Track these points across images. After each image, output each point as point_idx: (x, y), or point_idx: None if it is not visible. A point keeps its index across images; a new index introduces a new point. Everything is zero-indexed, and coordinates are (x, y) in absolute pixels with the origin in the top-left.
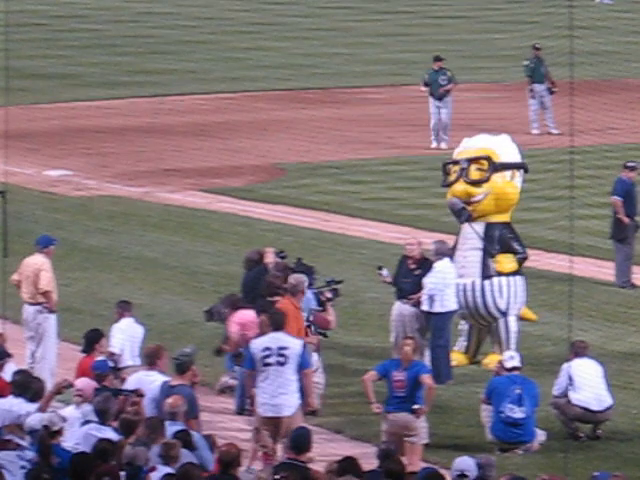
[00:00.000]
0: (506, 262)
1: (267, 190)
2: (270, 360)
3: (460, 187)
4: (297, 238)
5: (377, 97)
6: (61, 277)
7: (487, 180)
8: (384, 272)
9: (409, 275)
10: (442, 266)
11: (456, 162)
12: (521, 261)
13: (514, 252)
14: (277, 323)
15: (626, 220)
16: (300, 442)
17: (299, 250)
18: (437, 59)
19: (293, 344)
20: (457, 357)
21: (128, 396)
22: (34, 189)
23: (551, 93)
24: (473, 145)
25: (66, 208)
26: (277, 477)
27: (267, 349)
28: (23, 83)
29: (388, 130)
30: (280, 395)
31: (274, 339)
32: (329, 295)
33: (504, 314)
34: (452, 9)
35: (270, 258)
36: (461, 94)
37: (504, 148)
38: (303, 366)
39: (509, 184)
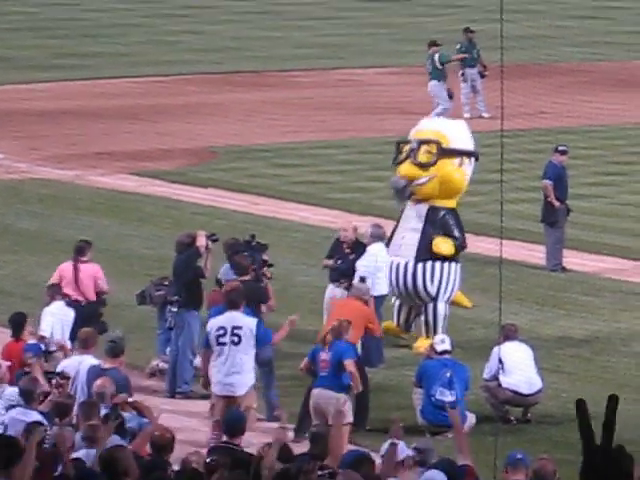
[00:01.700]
0: (442, 243)
1: (198, 173)
2: (224, 340)
3: (406, 167)
4: (228, 221)
5: (307, 80)
6: None
7: (434, 164)
8: (331, 261)
9: (343, 258)
10: (375, 250)
11: (408, 142)
12: (459, 248)
13: (452, 238)
14: (232, 302)
15: (557, 204)
16: (234, 425)
17: (231, 233)
18: (434, 44)
19: (247, 323)
20: (388, 325)
21: (53, 379)
22: None
23: (482, 77)
24: (427, 127)
25: None
26: (208, 460)
27: (221, 328)
28: None
29: (318, 113)
30: (233, 374)
31: (229, 318)
32: (269, 274)
33: (434, 299)
34: None
35: (202, 241)
36: (391, 78)
37: (456, 133)
38: (261, 343)
39: (457, 170)
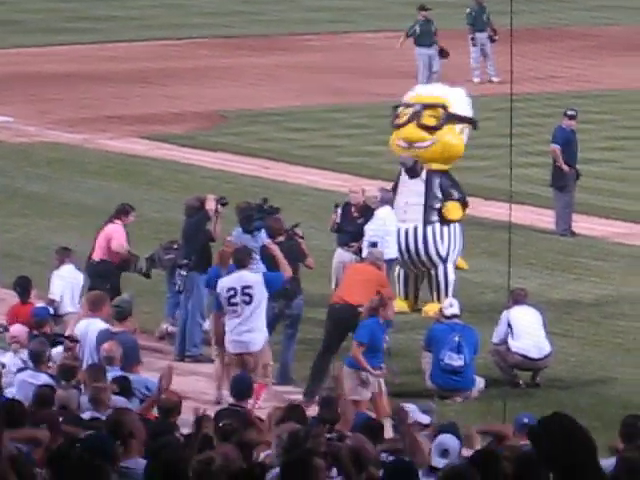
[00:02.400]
0: (452, 209)
1: (208, 137)
2: (235, 300)
3: (410, 129)
4: (237, 185)
5: (318, 44)
6: (1, 223)
7: (440, 128)
8: (338, 211)
9: (351, 223)
10: (383, 214)
11: (408, 105)
12: (465, 206)
13: (455, 199)
14: (240, 260)
15: (566, 168)
16: (241, 388)
17: (240, 197)
18: (423, 8)
19: (256, 280)
20: (398, 303)
21: (62, 342)
22: None
23: (492, 41)
24: (428, 92)
25: (6, 154)
26: (220, 425)
27: (231, 289)
28: None
29: (329, 77)
30: (247, 333)
31: (238, 279)
32: (300, 233)
33: (444, 261)
34: None
35: (211, 205)
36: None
37: (459, 100)
38: (275, 285)
39: (458, 137)
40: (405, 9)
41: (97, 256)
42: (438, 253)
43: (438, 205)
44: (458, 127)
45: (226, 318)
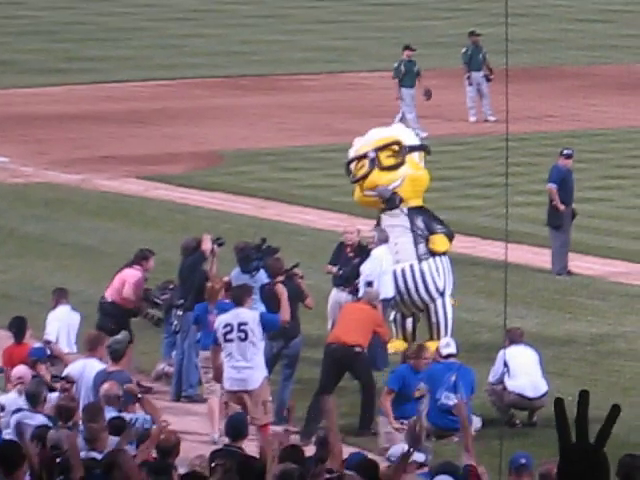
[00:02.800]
0: (441, 243)
1: (204, 177)
2: (231, 336)
3: (377, 176)
4: (234, 225)
5: (314, 84)
6: None
7: (403, 163)
8: (335, 268)
9: (347, 263)
10: (379, 253)
11: (361, 157)
12: (451, 239)
13: (440, 232)
14: (238, 298)
15: (562, 207)
16: (237, 428)
17: (237, 237)
18: (408, 48)
19: (252, 318)
20: (395, 344)
21: (58, 382)
22: None
23: (488, 80)
24: (371, 138)
25: (3, 195)
26: (214, 465)
27: (228, 325)
28: None
29: (325, 117)
30: (245, 369)
31: (234, 315)
32: (300, 273)
33: (442, 294)
34: None
35: (207, 245)
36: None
37: (404, 133)
38: (268, 329)
39: (419, 167)
40: (400, 49)
41: (109, 296)
42: (436, 287)
43: (425, 240)
44: (416, 156)
45: (222, 355)
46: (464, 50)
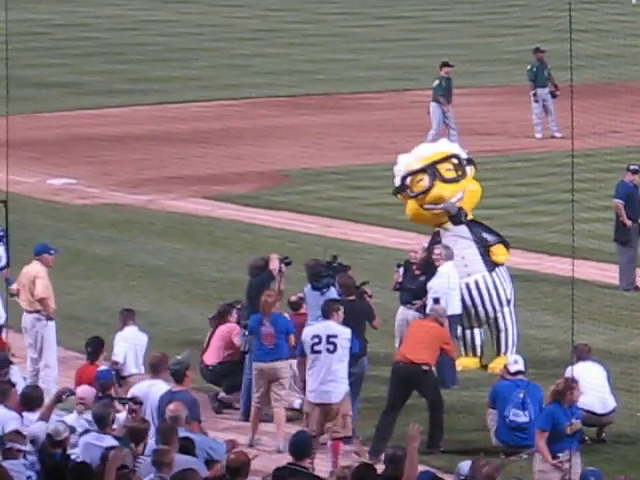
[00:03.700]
0: (501, 253)
1: (270, 196)
2: (319, 347)
3: (441, 188)
4: (300, 244)
5: (379, 102)
6: (65, 285)
7: (464, 176)
8: (400, 270)
9: (413, 281)
10: (446, 269)
11: (416, 172)
12: (508, 247)
13: (498, 242)
14: (326, 312)
15: (629, 223)
16: (301, 447)
17: (303, 256)
18: (447, 65)
19: (342, 332)
20: (464, 362)
21: (126, 404)
22: (37, 198)
23: (554, 97)
24: (424, 154)
25: (69, 216)
26: None
27: (316, 337)
28: (25, 92)
29: (391, 135)
30: (329, 382)
31: (324, 327)
32: (370, 292)
33: (509, 302)
34: (453, 13)
35: (275, 264)
36: (462, 99)
37: (453, 147)
38: (354, 350)
39: (473, 181)
40: (465, 66)
41: (212, 358)
42: (506, 295)
43: (488, 251)
44: (469, 170)
45: (308, 366)
46: (529, 67)
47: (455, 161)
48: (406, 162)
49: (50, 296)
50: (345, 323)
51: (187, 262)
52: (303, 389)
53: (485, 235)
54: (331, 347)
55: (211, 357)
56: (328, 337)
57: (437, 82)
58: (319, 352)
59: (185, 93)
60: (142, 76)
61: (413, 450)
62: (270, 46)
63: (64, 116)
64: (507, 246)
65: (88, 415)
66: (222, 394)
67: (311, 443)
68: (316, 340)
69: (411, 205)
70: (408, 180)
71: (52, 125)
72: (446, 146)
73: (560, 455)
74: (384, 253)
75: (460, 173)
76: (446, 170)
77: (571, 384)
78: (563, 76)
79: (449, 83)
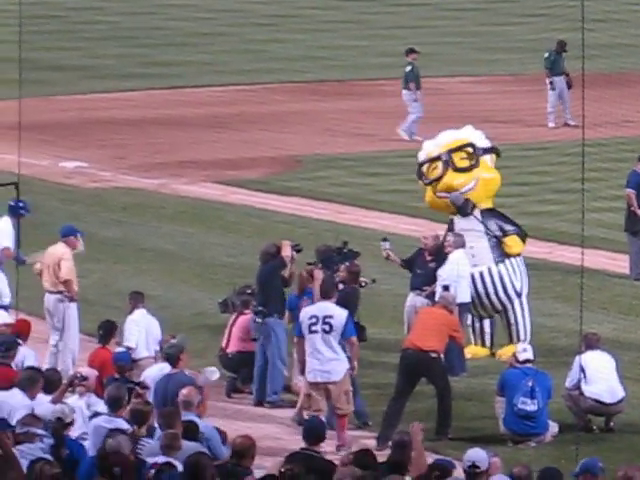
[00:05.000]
0: (515, 244)
1: (282, 182)
2: (316, 328)
3: (451, 177)
4: (312, 230)
5: (393, 89)
6: (76, 269)
7: (477, 165)
8: (387, 244)
9: (423, 267)
10: (456, 257)
11: (433, 159)
12: (524, 239)
13: (512, 233)
14: (325, 292)
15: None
16: (314, 432)
17: (314, 242)
18: (414, 51)
19: (338, 313)
20: (472, 350)
21: (133, 388)
22: (49, 181)
23: (570, 87)
24: (443, 141)
25: (81, 200)
26: (283, 470)
27: (313, 317)
28: (39, 75)
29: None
30: (329, 361)
31: (321, 308)
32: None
33: (519, 295)
34: (468, 1)
35: (287, 251)
36: (475, 87)
37: (476, 136)
38: (347, 334)
39: (491, 170)
40: (479, 54)
41: (233, 347)
42: (514, 288)
43: (498, 242)
44: (488, 160)
45: (306, 346)
46: (547, 55)
47: (470, 150)
48: (427, 149)
49: (74, 278)
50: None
51: (198, 246)
52: (302, 370)
53: (501, 225)
54: (327, 327)
55: (231, 346)
56: (325, 317)
57: (409, 68)
58: (316, 332)
59: (199, 78)
60: (156, 60)
61: (418, 444)
62: (285, 32)
63: (77, 99)
64: (524, 237)
65: (88, 397)
66: (238, 384)
67: (324, 428)
68: (313, 320)
69: (428, 192)
70: (425, 167)
71: (65, 108)
72: (464, 134)
73: None
74: (395, 240)
75: (473, 162)
76: (460, 159)
77: None
78: (576, 65)
79: (416, 69)
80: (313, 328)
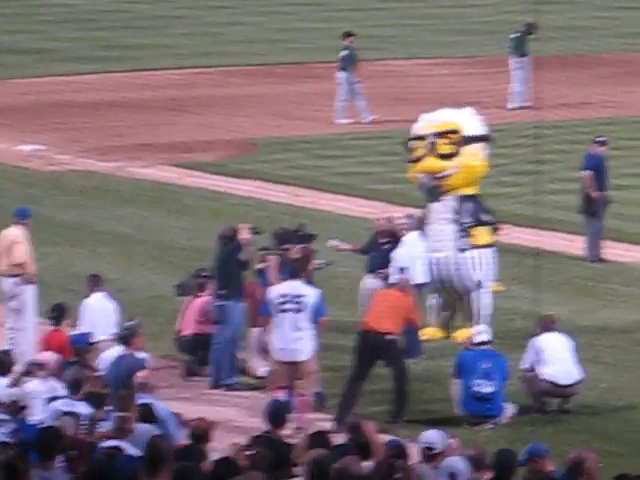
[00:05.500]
0: (482, 235)
1: (239, 165)
2: (286, 307)
3: (430, 162)
4: (268, 213)
5: None
6: (33, 252)
7: (457, 153)
8: (333, 242)
9: (378, 249)
10: (410, 239)
11: (421, 137)
12: (495, 231)
13: (486, 223)
14: (294, 271)
15: (596, 195)
16: (277, 416)
17: (271, 224)
18: (351, 35)
19: (309, 292)
20: (429, 331)
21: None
22: (6, 164)
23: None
24: (436, 119)
25: (38, 183)
26: (249, 453)
27: (283, 296)
28: None
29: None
30: (297, 340)
31: (291, 287)
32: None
33: (478, 286)
34: None
35: (245, 234)
36: (433, 69)
37: (469, 121)
38: (318, 314)
39: (476, 157)
40: (437, 36)
41: (188, 330)
42: (472, 279)
43: (467, 231)
44: (475, 147)
45: (275, 325)
46: (512, 36)
47: (454, 137)
48: (419, 124)
49: (30, 260)
50: None
51: (155, 229)
52: (265, 351)
53: (476, 214)
54: (297, 306)
55: (187, 329)
56: (295, 296)
57: (346, 52)
58: (286, 311)
59: (157, 61)
60: (114, 43)
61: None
62: (242, 14)
63: (34, 82)
64: (495, 229)
65: (51, 381)
66: (195, 366)
67: (287, 411)
68: (283, 299)
69: (410, 168)
70: (411, 144)
71: (22, 91)
72: (457, 117)
73: None
74: (351, 222)
75: (454, 151)
76: (443, 145)
77: None
78: (532, 47)
79: (354, 52)
80: (283, 307)
